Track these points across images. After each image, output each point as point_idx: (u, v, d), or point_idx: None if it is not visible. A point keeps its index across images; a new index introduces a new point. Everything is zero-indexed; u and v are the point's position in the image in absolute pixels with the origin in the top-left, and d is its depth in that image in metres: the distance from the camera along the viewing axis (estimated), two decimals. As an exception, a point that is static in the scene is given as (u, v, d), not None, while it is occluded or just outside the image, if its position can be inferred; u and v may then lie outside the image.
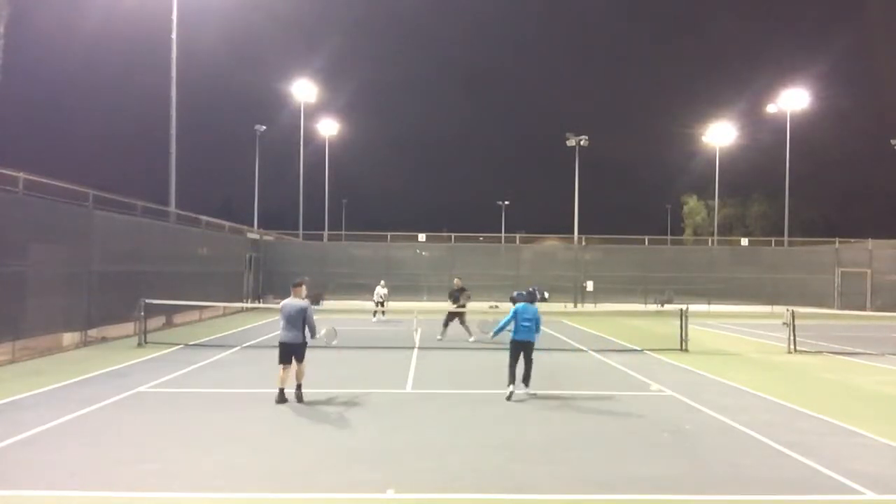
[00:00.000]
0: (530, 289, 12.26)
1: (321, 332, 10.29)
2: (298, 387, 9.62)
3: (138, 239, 18.98)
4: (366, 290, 31.85)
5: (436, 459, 6.86)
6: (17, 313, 13.22)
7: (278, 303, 10.16)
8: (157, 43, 25.94)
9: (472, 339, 16.97)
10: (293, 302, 9.69)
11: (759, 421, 8.71)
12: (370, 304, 24.52)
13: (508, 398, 9.87)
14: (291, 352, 9.63)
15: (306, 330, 9.71)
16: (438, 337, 17.45)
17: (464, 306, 18.08)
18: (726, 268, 36.55)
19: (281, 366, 9.58)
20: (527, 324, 10.27)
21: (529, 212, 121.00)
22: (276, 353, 9.79)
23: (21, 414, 8.54)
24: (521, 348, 10.32)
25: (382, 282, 24.40)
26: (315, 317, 9.88)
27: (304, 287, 9.98)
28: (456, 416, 8.89)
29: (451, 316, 18.08)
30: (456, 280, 19.16)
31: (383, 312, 23.65)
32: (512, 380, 10.11)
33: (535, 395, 10.24)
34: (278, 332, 9.81)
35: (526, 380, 10.37)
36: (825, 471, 6.61)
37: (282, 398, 9.38)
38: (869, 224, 48.59)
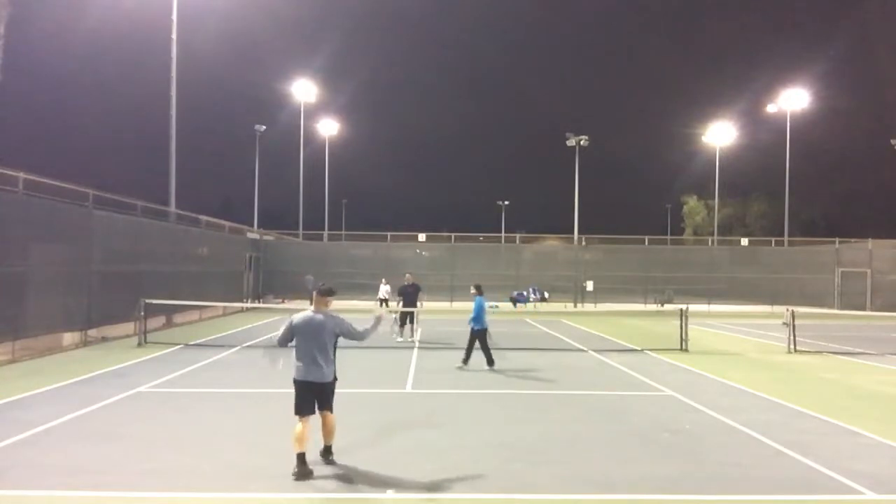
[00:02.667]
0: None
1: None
2: (328, 449, 6.57)
3: (138, 239, 18.98)
4: (366, 290, 31.93)
5: (436, 459, 6.86)
6: (17, 313, 13.22)
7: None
8: (157, 43, 25.97)
9: (408, 340, 16.91)
10: (316, 317, 6.56)
11: (758, 421, 8.70)
12: (369, 305, 24.49)
13: (461, 369, 12.23)
14: (317, 396, 6.42)
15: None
16: (399, 338, 16.96)
17: (417, 304, 17.52)
18: (726, 268, 36.58)
19: (298, 418, 6.33)
20: (485, 314, 12.63)
21: (529, 212, 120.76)
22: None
23: (21, 414, 8.54)
24: (484, 334, 12.52)
25: (384, 279, 24.41)
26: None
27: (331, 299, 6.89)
28: (456, 416, 8.89)
29: (404, 315, 17.37)
30: (408, 275, 18.26)
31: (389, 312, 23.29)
32: (467, 358, 12.50)
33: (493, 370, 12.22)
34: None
35: (490, 362, 12.46)
36: (825, 471, 6.61)
37: (303, 469, 6.10)
38: (869, 224, 48.56)
